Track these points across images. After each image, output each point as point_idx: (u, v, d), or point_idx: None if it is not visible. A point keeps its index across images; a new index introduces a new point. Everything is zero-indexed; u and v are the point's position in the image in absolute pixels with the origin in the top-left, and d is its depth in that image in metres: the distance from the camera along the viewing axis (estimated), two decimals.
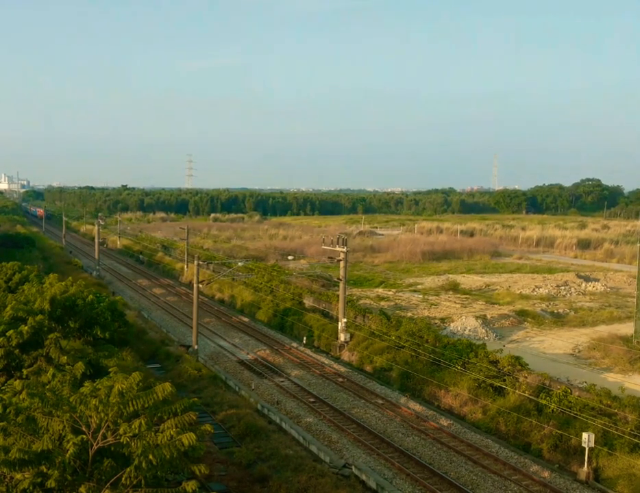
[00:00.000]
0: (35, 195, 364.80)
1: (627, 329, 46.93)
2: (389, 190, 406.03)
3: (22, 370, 22.63)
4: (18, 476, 13.40)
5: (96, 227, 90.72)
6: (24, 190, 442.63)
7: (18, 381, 16.78)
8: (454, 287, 66.30)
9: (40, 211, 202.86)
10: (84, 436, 14.48)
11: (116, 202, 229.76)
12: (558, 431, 28.48)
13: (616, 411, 28.33)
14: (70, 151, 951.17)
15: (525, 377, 32.93)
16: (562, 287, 66.39)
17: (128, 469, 14.21)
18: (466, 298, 61.72)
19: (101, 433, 14.77)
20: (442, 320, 51.35)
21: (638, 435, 26.24)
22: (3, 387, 17.85)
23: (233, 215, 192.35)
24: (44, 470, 13.60)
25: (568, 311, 55.72)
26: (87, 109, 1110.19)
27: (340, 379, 39.35)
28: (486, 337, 45.91)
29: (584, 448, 26.41)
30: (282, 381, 39.08)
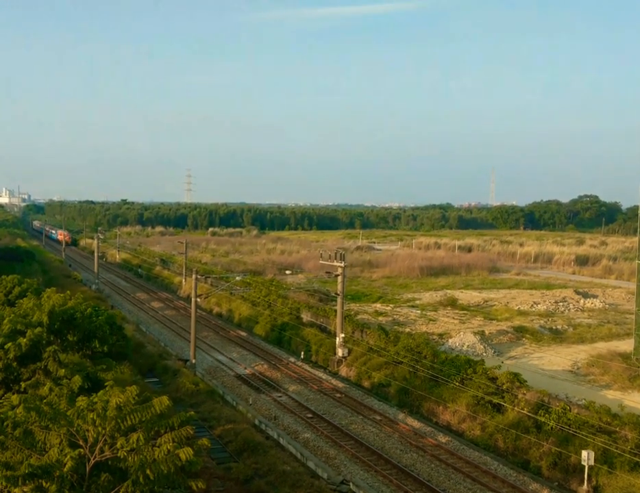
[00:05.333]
0: (36, 209, 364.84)
1: (626, 345, 46.85)
2: (387, 205, 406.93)
3: (21, 383, 22.57)
4: (17, 490, 13.32)
5: (95, 241, 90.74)
6: (25, 203, 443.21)
7: (15, 394, 16.71)
8: (452, 303, 66.26)
9: (64, 235, 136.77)
10: (82, 450, 14.41)
11: (115, 216, 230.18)
12: (557, 449, 28.35)
13: (616, 429, 28.21)
14: (70, 166, 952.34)
15: (524, 394, 32.84)
16: (561, 304, 66.37)
17: (125, 483, 14.14)
18: (464, 313, 61.65)
19: (98, 447, 14.70)
20: (441, 335, 51.25)
21: (639, 454, 26.12)
22: (1, 401, 17.77)
23: (231, 229, 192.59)
24: (43, 484, 13.54)
25: (566, 327, 55.65)
26: (87, 124, 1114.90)
27: (338, 395, 39.20)
28: (484, 354, 45.81)
29: (584, 466, 26.27)
30: (280, 396, 38.93)
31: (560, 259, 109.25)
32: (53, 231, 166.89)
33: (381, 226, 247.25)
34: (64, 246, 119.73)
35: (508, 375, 34.40)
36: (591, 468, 26.23)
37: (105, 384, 17.52)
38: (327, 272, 51.86)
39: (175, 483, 15.21)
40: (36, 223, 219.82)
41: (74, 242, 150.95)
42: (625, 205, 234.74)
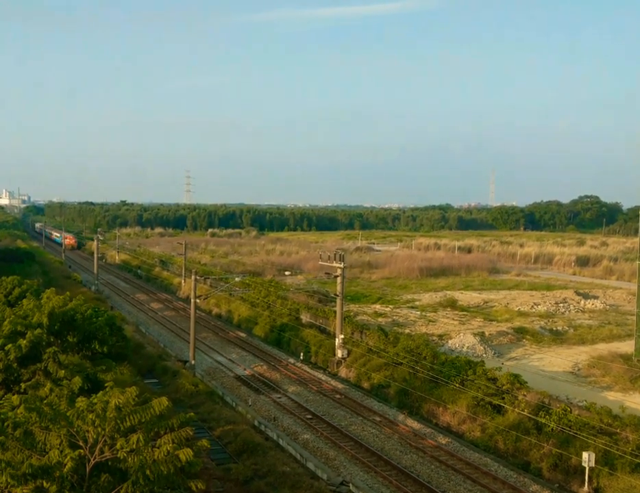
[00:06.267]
0: (36, 210, 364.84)
1: (627, 346, 46.83)
2: (386, 206, 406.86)
3: (21, 384, 22.55)
4: (17, 490, 13.30)
5: (95, 242, 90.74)
6: (25, 205, 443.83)
7: (16, 395, 16.69)
8: (452, 304, 66.22)
9: (70, 239, 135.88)
10: (82, 451, 14.38)
11: (115, 217, 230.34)
12: (558, 450, 28.28)
13: (617, 430, 28.15)
14: (70, 167, 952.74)
15: (524, 395, 32.79)
16: (561, 305, 66.33)
17: (125, 484, 14.13)
18: (464, 314, 61.62)
19: (98, 447, 14.67)
20: (440, 336, 51.21)
21: None
22: (1, 401, 17.76)
23: (230, 230, 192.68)
24: (44, 485, 13.53)
25: (567, 328, 55.61)
26: (87, 126, 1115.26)
27: (338, 396, 39.16)
28: (484, 355, 45.78)
29: (585, 468, 26.22)
30: (279, 397, 38.89)
31: (560, 260, 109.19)
32: (57, 234, 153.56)
33: (380, 227, 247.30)
34: (63, 248, 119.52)
35: (508, 376, 34.34)
36: (591, 469, 26.18)
37: (105, 385, 17.50)
38: (326, 273, 51.81)
39: (174, 483, 15.20)
40: (38, 225, 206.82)
41: (79, 246, 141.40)
42: (626, 205, 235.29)
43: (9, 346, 23.66)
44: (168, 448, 14.59)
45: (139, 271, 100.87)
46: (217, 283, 71.36)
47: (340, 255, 46.72)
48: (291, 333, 52.11)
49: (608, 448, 26.71)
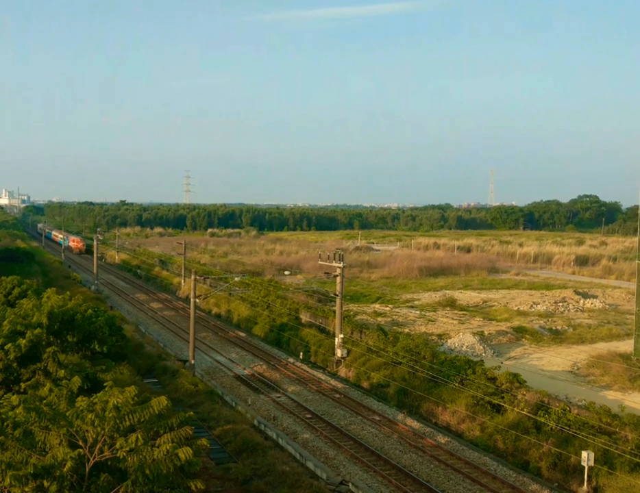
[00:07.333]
0: (36, 210, 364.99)
1: (626, 346, 46.86)
2: (385, 206, 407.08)
3: (21, 383, 22.58)
4: (17, 490, 13.31)
5: (94, 242, 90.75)
6: (24, 205, 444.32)
7: (15, 395, 16.70)
8: (451, 304, 66.22)
9: (77, 242, 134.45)
10: (81, 450, 14.40)
11: (114, 217, 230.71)
12: (557, 450, 28.30)
13: (616, 429, 28.17)
14: (70, 167, 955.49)
15: (524, 394, 32.81)
16: (561, 304, 66.36)
17: (125, 483, 14.14)
18: (463, 314, 61.62)
19: (97, 447, 14.69)
20: (440, 336, 51.21)
21: (639, 454, 26.08)
22: (1, 401, 17.77)
23: (230, 230, 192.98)
24: (45, 485, 13.54)
25: (566, 328, 55.62)
26: (87, 126, 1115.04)
27: (337, 395, 39.17)
28: (483, 354, 45.80)
29: (584, 467, 26.24)
30: (279, 397, 38.90)
31: (559, 260, 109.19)
32: (61, 236, 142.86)
33: (380, 226, 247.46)
34: (63, 248, 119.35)
35: (507, 376, 34.37)
36: (590, 468, 26.20)
37: (105, 385, 17.51)
38: (325, 273, 51.83)
39: (174, 483, 15.21)
40: (40, 225, 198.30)
41: (88, 249, 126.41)
42: (625, 205, 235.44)
43: (9, 345, 23.69)
44: (168, 448, 14.61)
45: (139, 271, 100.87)
46: (217, 282, 71.36)
47: (339, 254, 46.72)
48: (291, 332, 52.12)
49: (607, 448, 26.73)
